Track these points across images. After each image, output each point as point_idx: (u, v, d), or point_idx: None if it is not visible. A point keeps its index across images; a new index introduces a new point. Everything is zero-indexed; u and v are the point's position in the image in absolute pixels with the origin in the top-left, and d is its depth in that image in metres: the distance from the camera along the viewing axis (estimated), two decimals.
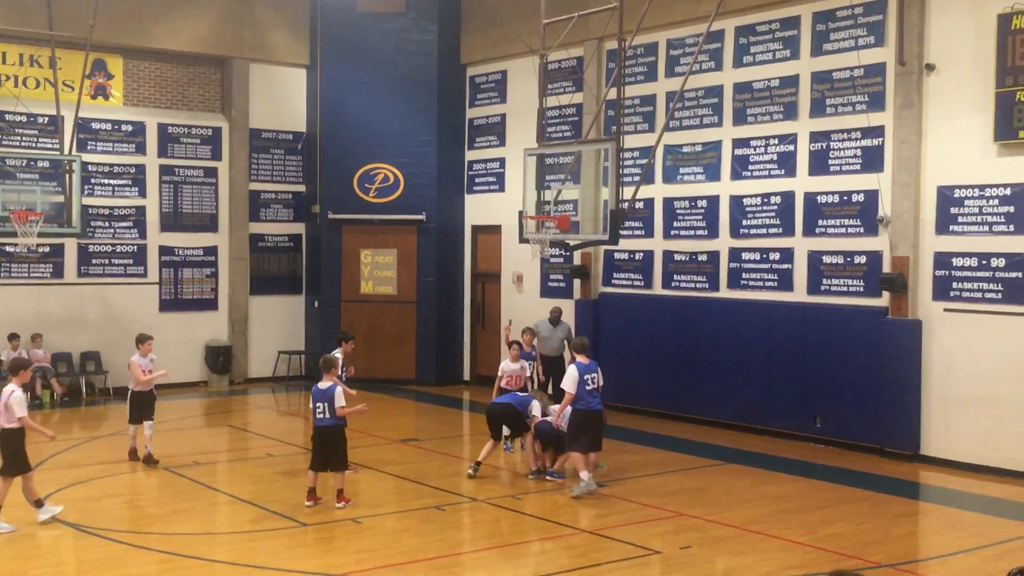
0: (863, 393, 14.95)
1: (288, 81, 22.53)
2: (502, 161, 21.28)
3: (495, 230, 21.41)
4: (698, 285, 17.44)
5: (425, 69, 21.77)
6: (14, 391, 10.78)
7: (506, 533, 11.17)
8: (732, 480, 13.36)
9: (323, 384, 11.66)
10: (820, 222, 15.71)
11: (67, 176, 17.97)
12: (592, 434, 12.33)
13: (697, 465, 14.26)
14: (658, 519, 11.37)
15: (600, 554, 10.17)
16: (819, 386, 15.48)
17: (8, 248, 19.28)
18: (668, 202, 17.90)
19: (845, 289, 15.42)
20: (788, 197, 16.12)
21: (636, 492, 12.54)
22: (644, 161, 16.92)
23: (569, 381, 12.25)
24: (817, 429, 15.57)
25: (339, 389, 11.69)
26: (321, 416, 11.59)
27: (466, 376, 22.17)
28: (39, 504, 10.94)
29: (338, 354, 13.80)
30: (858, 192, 15.23)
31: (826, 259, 15.64)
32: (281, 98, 22.49)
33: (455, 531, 11.15)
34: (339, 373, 13.36)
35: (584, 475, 12.17)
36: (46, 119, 19.31)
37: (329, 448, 11.61)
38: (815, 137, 15.80)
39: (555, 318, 16.80)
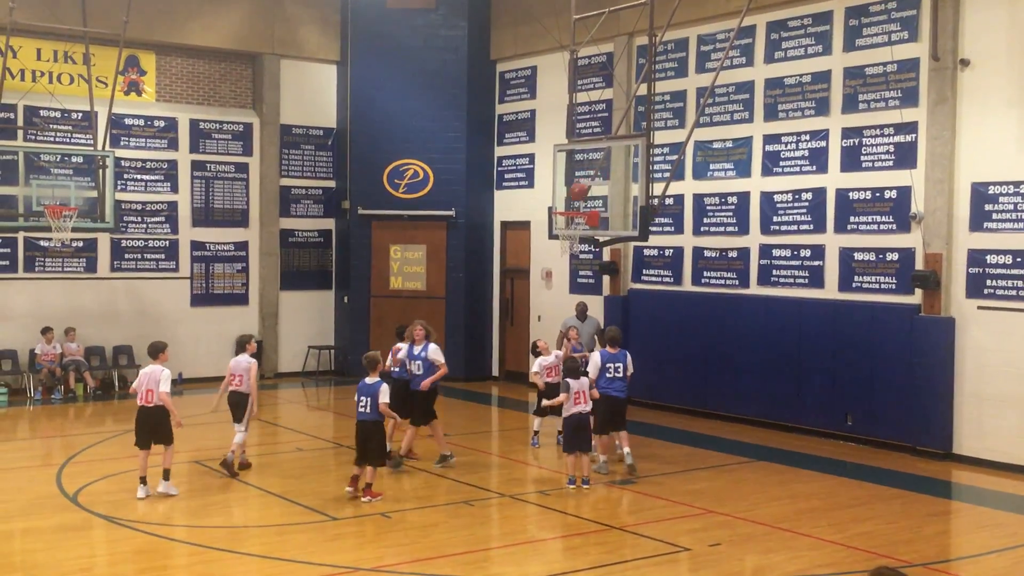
0: (895, 391, 14.83)
1: (319, 77, 22.63)
2: (531, 157, 21.26)
3: (524, 226, 21.40)
4: (728, 282, 17.36)
5: (455, 65, 21.79)
6: (164, 370, 11.63)
7: (535, 529, 11.18)
8: (761, 477, 13.30)
9: (370, 379, 11.82)
10: (852, 219, 15.59)
11: (100, 171, 18.15)
12: (606, 416, 13.02)
13: (726, 462, 14.21)
14: (687, 516, 11.34)
15: (629, 551, 10.16)
16: (850, 384, 15.38)
17: (42, 242, 19.48)
18: (698, 198, 17.83)
19: (877, 286, 15.30)
20: (820, 193, 16.01)
21: (665, 489, 12.52)
22: (674, 157, 16.84)
23: (592, 367, 13.13)
24: (848, 427, 15.47)
25: (384, 386, 11.81)
26: (363, 410, 11.75)
27: (495, 372, 22.18)
28: (166, 476, 11.76)
29: (404, 346, 13.68)
30: (891, 188, 15.11)
31: (858, 256, 15.53)
32: (312, 94, 22.59)
33: (484, 526, 11.16)
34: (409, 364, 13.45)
35: (601, 457, 13.19)
36: (80, 115, 19.46)
37: (368, 442, 11.75)
38: (847, 133, 15.67)
39: (581, 312, 16.70)
